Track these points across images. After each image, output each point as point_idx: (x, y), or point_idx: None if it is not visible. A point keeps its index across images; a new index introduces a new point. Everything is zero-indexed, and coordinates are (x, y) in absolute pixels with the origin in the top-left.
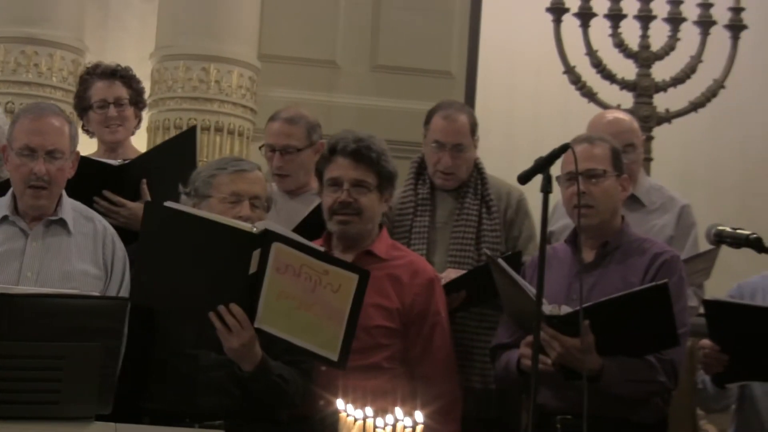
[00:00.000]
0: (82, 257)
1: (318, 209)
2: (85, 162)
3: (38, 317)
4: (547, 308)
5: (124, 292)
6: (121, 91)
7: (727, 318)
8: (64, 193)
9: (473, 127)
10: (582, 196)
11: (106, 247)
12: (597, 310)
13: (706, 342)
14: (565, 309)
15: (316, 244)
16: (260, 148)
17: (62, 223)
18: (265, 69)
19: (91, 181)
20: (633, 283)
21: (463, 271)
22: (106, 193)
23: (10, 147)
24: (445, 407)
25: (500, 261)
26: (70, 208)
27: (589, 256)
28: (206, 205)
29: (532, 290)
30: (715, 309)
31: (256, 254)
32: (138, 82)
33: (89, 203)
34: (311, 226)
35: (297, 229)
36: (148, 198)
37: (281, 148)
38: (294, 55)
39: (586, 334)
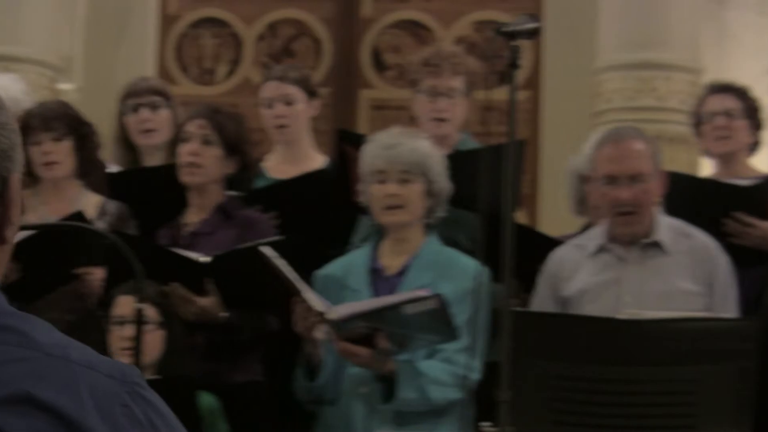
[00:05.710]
0: (681, 276)
1: None
2: (697, 182)
3: (667, 341)
4: None
5: (732, 308)
6: (735, 104)
7: None
8: (657, 212)
9: None
10: None
11: (705, 263)
12: None
13: None
14: None
15: None
16: None
17: (658, 244)
18: None
19: (718, 203)
20: None
21: None
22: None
23: (595, 175)
24: None
25: None
26: (666, 227)
27: None
28: None
29: None
30: None
31: None
32: (752, 98)
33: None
34: None
35: None
36: None
37: None
38: None
39: None
